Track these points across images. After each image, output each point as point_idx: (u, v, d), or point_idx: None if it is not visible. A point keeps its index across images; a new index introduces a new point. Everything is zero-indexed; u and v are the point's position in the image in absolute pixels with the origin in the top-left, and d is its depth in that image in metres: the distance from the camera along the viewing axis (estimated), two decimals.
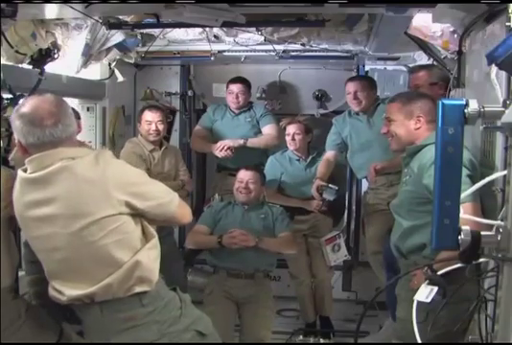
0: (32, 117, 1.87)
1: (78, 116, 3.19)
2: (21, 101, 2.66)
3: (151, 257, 1.98)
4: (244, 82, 4.22)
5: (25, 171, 1.93)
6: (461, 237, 1.27)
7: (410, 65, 4.23)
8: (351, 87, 3.71)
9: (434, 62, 3.38)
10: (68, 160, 1.89)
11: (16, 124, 1.89)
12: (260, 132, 4.30)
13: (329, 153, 3.91)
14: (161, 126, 3.84)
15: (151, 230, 2.04)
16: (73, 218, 1.87)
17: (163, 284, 2.06)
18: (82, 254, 1.91)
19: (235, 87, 4.18)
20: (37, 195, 1.90)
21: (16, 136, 1.93)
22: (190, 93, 4.86)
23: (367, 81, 3.81)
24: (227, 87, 4.23)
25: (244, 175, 3.57)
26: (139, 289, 1.94)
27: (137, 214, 1.97)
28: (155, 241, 2.02)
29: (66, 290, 1.95)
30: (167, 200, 2.04)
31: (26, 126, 1.87)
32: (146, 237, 2.01)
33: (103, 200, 1.87)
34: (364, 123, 3.75)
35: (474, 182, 2.00)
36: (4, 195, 1.99)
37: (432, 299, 1.85)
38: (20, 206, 1.95)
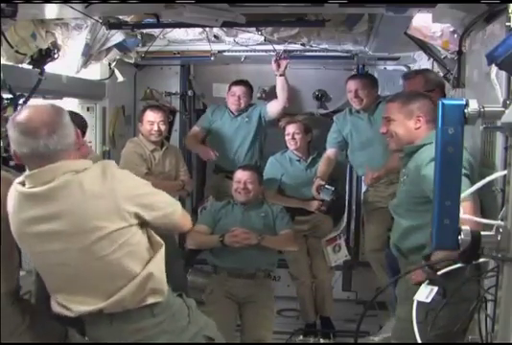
0: (25, 127, 1.80)
1: (84, 125, 3.16)
2: (20, 100, 2.69)
3: (160, 267, 1.98)
4: (247, 85, 4.22)
5: (22, 184, 1.86)
6: (461, 237, 1.27)
7: (411, 65, 4.23)
8: (352, 85, 3.71)
9: (434, 62, 3.37)
10: (72, 174, 1.84)
11: (11, 133, 1.83)
12: (259, 134, 4.30)
13: (330, 151, 3.91)
14: (163, 127, 3.84)
15: (158, 239, 2.03)
16: (82, 234, 1.84)
17: (170, 291, 2.05)
18: (93, 269, 1.88)
19: (237, 89, 4.18)
20: (39, 210, 1.84)
21: (12, 145, 1.86)
22: (190, 93, 4.85)
23: (368, 80, 3.80)
24: (229, 89, 4.22)
25: (241, 175, 3.56)
26: (152, 300, 1.93)
27: (143, 224, 1.96)
28: (163, 250, 2.02)
29: (73, 306, 1.91)
30: (171, 210, 2.05)
31: (20, 136, 1.81)
32: (153, 246, 2.00)
33: (113, 213, 1.85)
34: (365, 121, 3.74)
35: (471, 182, 2.01)
36: (3, 198, 1.94)
37: (432, 299, 1.85)
38: (18, 222, 1.88)
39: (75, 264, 1.88)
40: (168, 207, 2.04)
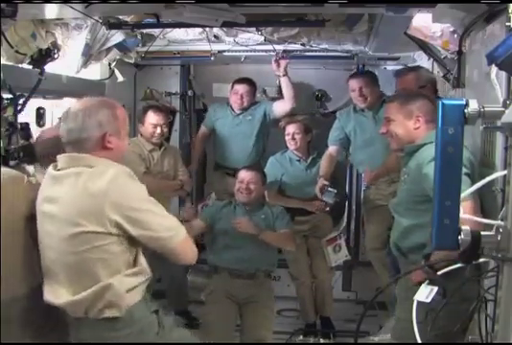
0: (64, 113, 1.98)
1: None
2: (20, 100, 2.70)
3: (125, 283, 1.92)
4: (250, 84, 4.20)
5: (55, 167, 1.98)
6: (461, 237, 1.27)
7: (410, 65, 4.23)
8: (355, 84, 3.69)
9: (434, 62, 3.38)
10: (86, 167, 1.90)
11: None
12: (262, 132, 4.28)
13: (331, 149, 3.89)
14: (166, 129, 3.91)
15: (142, 261, 2.00)
16: (66, 224, 1.88)
17: (143, 307, 2.00)
18: (68, 260, 1.90)
19: (240, 88, 4.15)
20: (50, 191, 1.95)
21: None
22: (190, 93, 4.85)
23: (370, 77, 3.79)
24: (232, 87, 4.20)
25: (244, 176, 3.55)
26: (109, 314, 1.91)
27: (132, 239, 1.92)
28: (139, 270, 1.97)
29: (45, 292, 1.95)
30: (167, 236, 1.95)
31: (62, 123, 1.98)
32: (135, 264, 1.98)
33: (94, 215, 1.85)
34: (369, 119, 3.72)
35: (472, 180, 2.01)
36: (21, 203, 2.01)
37: (432, 299, 1.85)
38: (40, 198, 1.98)
39: (55, 250, 1.92)
40: (164, 231, 1.94)
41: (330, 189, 3.60)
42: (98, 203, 1.84)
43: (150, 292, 2.08)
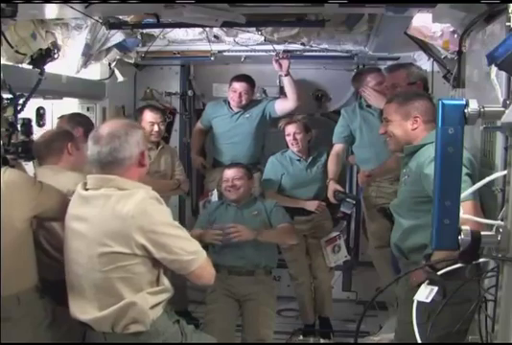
0: (93, 134, 2.03)
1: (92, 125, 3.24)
2: (20, 100, 2.70)
3: (148, 301, 2.00)
4: (249, 82, 4.16)
5: (85, 184, 2.05)
6: (461, 237, 1.27)
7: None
8: (382, 77, 3.60)
9: (434, 62, 3.38)
10: (115, 189, 1.97)
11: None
12: (260, 131, 4.26)
13: (337, 147, 3.85)
14: (163, 127, 3.97)
15: (166, 282, 2.07)
16: (94, 244, 1.95)
17: (165, 318, 2.09)
18: (94, 277, 1.97)
19: (239, 86, 4.12)
20: (79, 210, 2.03)
21: None
22: (190, 93, 4.84)
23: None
24: (230, 84, 4.17)
25: (227, 174, 3.55)
26: (134, 329, 1.99)
27: (156, 261, 2.00)
28: (161, 289, 2.05)
29: (71, 307, 2.02)
30: (186, 259, 2.03)
31: (89, 142, 2.03)
32: (158, 284, 2.05)
33: (121, 237, 1.92)
34: (376, 116, 3.66)
35: (473, 181, 2.01)
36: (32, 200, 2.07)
37: (432, 299, 1.85)
38: (68, 215, 2.07)
39: (84, 267, 1.99)
40: (185, 255, 2.02)
41: (348, 199, 3.58)
42: (125, 226, 1.91)
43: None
